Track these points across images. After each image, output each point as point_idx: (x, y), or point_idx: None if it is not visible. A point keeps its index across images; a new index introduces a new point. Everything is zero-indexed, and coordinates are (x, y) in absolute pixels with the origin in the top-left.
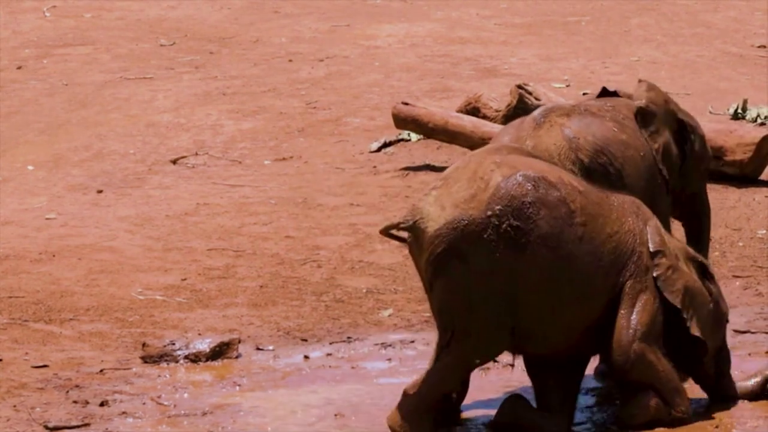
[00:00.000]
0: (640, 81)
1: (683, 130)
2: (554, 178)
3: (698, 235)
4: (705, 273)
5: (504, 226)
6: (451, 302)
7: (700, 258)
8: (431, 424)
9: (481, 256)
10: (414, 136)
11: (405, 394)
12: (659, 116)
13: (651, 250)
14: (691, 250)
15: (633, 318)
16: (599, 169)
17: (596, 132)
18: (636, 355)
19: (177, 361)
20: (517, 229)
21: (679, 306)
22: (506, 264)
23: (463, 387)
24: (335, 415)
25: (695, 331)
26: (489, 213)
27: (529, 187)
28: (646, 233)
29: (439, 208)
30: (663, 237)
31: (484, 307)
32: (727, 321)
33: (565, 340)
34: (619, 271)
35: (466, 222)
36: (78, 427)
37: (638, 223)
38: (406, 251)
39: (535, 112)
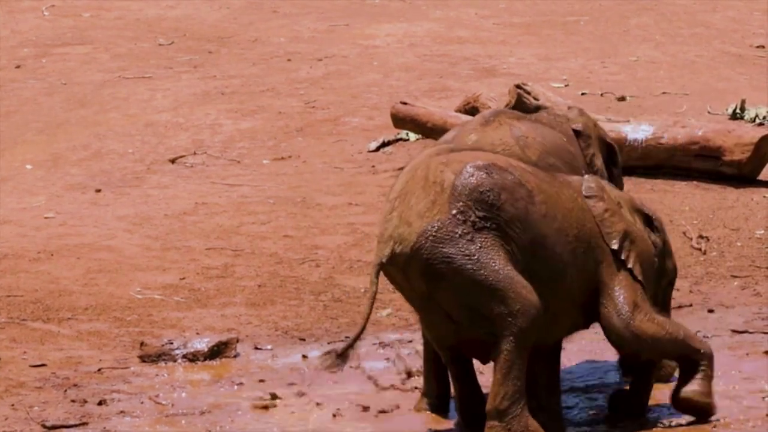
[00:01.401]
0: (569, 107)
1: (612, 153)
2: (503, 163)
3: None
4: (651, 225)
5: (472, 219)
6: (466, 300)
7: (647, 210)
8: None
9: (463, 254)
10: (412, 136)
11: (497, 411)
12: (593, 139)
13: (585, 194)
14: (637, 202)
15: (616, 298)
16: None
17: (546, 136)
18: (635, 337)
19: (175, 361)
20: (484, 218)
21: (616, 248)
22: (495, 245)
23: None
24: (333, 414)
25: (637, 274)
26: (454, 212)
27: (483, 176)
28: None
29: (407, 225)
30: (602, 185)
31: (498, 291)
32: (672, 284)
33: (549, 325)
34: (585, 247)
35: (437, 228)
36: (76, 426)
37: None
38: None
39: (486, 112)
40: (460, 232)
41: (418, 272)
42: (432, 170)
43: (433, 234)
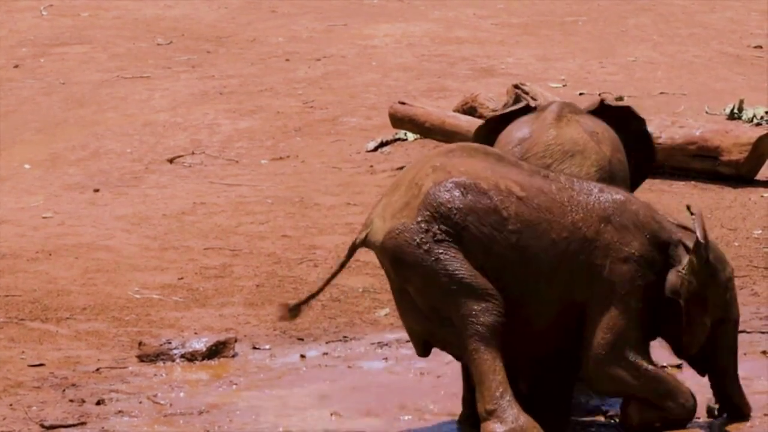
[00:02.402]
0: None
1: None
2: (489, 185)
3: None
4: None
5: (434, 230)
6: (427, 301)
7: (674, 236)
8: (517, 404)
9: (420, 261)
10: (411, 136)
11: (486, 412)
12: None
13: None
14: (666, 227)
15: (597, 335)
16: (617, 165)
17: (608, 130)
18: (606, 374)
19: (173, 360)
20: (446, 233)
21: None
22: (451, 255)
23: None
24: (331, 414)
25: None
26: (419, 219)
27: (457, 194)
28: (610, 239)
29: (382, 219)
30: (634, 220)
31: (453, 297)
32: (728, 322)
33: (529, 339)
34: (568, 280)
35: (400, 230)
36: (74, 425)
37: (605, 229)
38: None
39: (552, 106)
40: (419, 240)
41: (387, 263)
42: (421, 171)
43: (396, 235)
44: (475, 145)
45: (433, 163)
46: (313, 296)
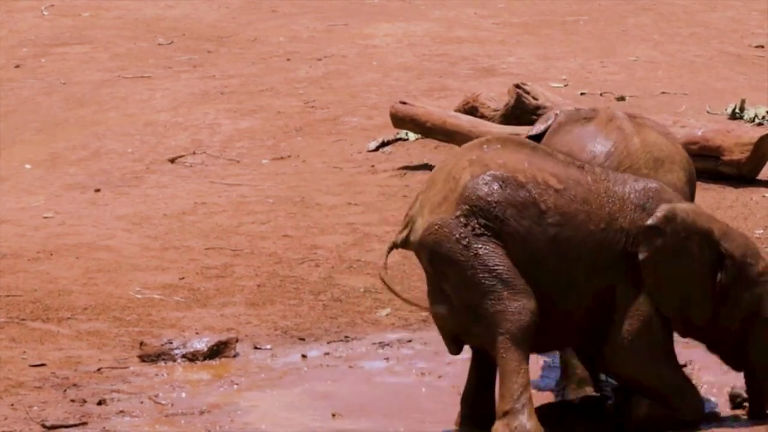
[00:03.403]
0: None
1: None
2: (526, 177)
3: None
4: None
5: (473, 224)
6: (463, 297)
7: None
8: (531, 409)
9: (459, 256)
10: (412, 136)
11: (502, 412)
12: None
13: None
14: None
15: (625, 320)
16: (688, 167)
17: (662, 130)
18: (627, 359)
19: (174, 360)
20: (485, 227)
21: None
22: (491, 250)
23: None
24: (332, 414)
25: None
26: (458, 213)
27: (496, 187)
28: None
29: (421, 216)
30: (672, 215)
31: (490, 295)
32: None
33: (548, 340)
34: (604, 270)
35: (439, 225)
36: (75, 425)
37: (640, 217)
38: (404, 251)
39: (611, 113)
40: (458, 235)
41: (425, 260)
42: (458, 165)
43: (436, 230)
44: (509, 136)
45: (469, 157)
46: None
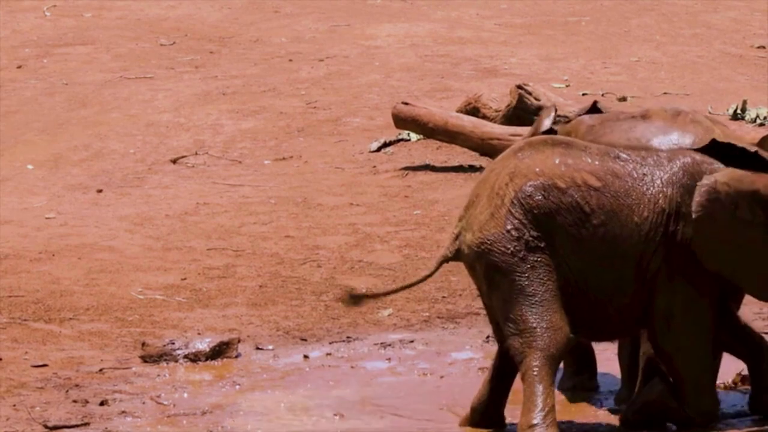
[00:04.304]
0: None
1: None
2: (566, 182)
3: None
4: None
5: (526, 237)
6: (507, 311)
7: None
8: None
9: (516, 267)
10: (414, 136)
11: (526, 426)
12: None
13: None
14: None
15: (664, 305)
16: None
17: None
18: (669, 335)
19: (176, 361)
20: (538, 239)
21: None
22: (543, 265)
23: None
24: (334, 414)
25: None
26: (509, 227)
27: (540, 198)
28: (682, 203)
29: (470, 233)
30: (713, 189)
31: (539, 308)
32: None
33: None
34: (651, 255)
35: (491, 241)
36: (77, 426)
37: (676, 194)
38: (406, 251)
39: (681, 107)
40: (512, 249)
41: (481, 274)
42: (499, 180)
43: (489, 247)
44: (541, 138)
45: (508, 170)
46: (379, 295)
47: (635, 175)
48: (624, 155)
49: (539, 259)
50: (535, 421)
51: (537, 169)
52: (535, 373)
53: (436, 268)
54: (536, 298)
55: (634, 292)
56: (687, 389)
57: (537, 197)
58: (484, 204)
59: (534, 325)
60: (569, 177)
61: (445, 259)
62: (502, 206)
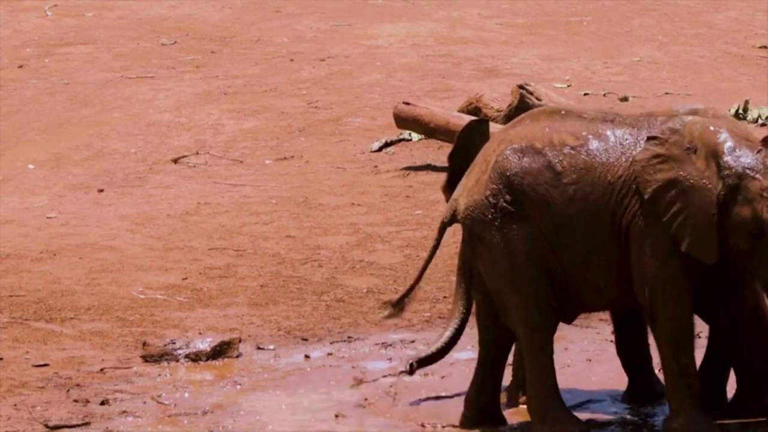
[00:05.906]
0: None
1: None
2: (543, 143)
3: None
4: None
5: (501, 203)
6: (490, 283)
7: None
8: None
9: (491, 239)
10: (415, 136)
11: (533, 409)
12: None
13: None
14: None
15: (643, 265)
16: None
17: None
18: (656, 300)
19: (177, 361)
20: (511, 203)
21: (647, 198)
22: (517, 235)
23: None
24: (335, 415)
25: (682, 244)
26: (487, 193)
27: (514, 160)
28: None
29: (461, 196)
30: (676, 129)
31: (518, 280)
32: None
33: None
34: (622, 214)
35: (473, 206)
36: (78, 425)
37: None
38: (407, 251)
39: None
40: (491, 216)
41: (465, 240)
42: (490, 147)
43: (471, 212)
44: (544, 108)
45: (500, 138)
46: (412, 288)
47: (617, 135)
48: (619, 119)
49: (514, 228)
50: (536, 405)
51: (522, 134)
52: (527, 352)
53: (439, 236)
54: (508, 271)
55: (608, 253)
56: (665, 344)
57: (512, 159)
58: (476, 170)
59: (516, 300)
60: (547, 138)
61: (443, 225)
62: (486, 172)
